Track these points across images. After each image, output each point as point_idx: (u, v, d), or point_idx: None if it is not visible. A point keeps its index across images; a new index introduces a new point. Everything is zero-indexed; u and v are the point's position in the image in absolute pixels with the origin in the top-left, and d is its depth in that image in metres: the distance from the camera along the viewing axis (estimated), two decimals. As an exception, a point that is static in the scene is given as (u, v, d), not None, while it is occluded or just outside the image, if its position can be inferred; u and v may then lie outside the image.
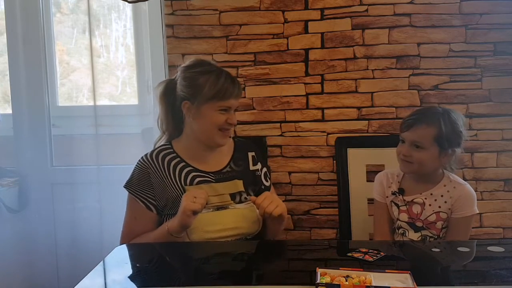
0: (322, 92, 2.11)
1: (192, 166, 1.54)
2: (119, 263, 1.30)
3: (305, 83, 2.11)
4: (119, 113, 2.30)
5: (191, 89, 1.50)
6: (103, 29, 2.37)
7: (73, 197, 2.21)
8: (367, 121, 2.11)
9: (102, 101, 2.35)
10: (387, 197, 1.66)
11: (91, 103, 2.19)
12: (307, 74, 2.11)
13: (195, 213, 1.35)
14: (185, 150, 1.56)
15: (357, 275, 1.07)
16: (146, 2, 2.01)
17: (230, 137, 1.59)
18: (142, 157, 1.56)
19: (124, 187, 1.52)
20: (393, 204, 1.64)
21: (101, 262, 1.28)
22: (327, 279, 1.05)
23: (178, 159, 1.54)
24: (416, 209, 1.58)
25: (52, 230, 2.22)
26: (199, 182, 1.52)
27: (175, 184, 1.51)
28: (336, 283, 1.04)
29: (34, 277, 2.22)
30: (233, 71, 2.10)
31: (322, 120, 2.12)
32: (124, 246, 1.43)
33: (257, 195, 1.59)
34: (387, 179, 1.67)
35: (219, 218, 1.48)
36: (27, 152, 2.22)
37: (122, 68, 2.41)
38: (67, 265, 2.19)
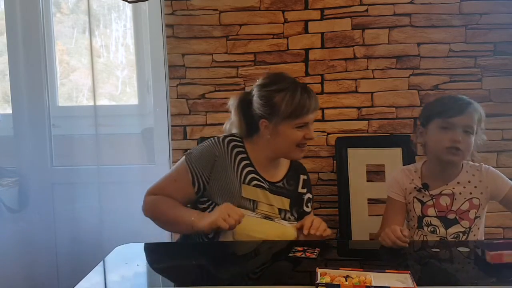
0: (322, 92, 2.11)
1: (254, 167, 1.55)
2: (119, 263, 1.30)
3: (305, 83, 2.11)
4: (119, 113, 2.30)
5: (268, 108, 1.50)
6: (103, 29, 2.37)
7: (73, 197, 2.21)
8: (367, 121, 2.12)
9: (102, 101, 2.35)
10: (410, 193, 1.55)
11: (91, 103, 2.19)
12: (307, 74, 2.11)
13: (219, 229, 1.36)
14: (253, 152, 1.57)
15: (357, 275, 1.07)
16: (146, 2, 2.01)
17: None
18: (214, 138, 1.57)
19: (184, 154, 1.54)
20: (415, 200, 1.54)
21: (101, 262, 1.28)
22: (327, 279, 1.05)
23: (245, 155, 1.56)
24: (444, 201, 1.49)
25: (52, 230, 2.22)
26: (256, 185, 1.53)
27: (235, 176, 1.52)
28: (336, 283, 1.04)
29: (34, 276, 2.22)
30: (233, 71, 2.11)
31: (322, 120, 2.12)
32: (124, 246, 1.42)
33: (299, 217, 1.59)
34: (406, 176, 1.57)
35: (265, 227, 1.49)
36: (27, 152, 2.22)
37: (122, 68, 2.41)
38: (67, 265, 2.19)
